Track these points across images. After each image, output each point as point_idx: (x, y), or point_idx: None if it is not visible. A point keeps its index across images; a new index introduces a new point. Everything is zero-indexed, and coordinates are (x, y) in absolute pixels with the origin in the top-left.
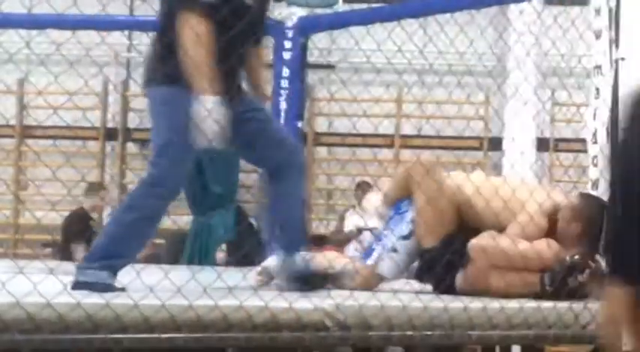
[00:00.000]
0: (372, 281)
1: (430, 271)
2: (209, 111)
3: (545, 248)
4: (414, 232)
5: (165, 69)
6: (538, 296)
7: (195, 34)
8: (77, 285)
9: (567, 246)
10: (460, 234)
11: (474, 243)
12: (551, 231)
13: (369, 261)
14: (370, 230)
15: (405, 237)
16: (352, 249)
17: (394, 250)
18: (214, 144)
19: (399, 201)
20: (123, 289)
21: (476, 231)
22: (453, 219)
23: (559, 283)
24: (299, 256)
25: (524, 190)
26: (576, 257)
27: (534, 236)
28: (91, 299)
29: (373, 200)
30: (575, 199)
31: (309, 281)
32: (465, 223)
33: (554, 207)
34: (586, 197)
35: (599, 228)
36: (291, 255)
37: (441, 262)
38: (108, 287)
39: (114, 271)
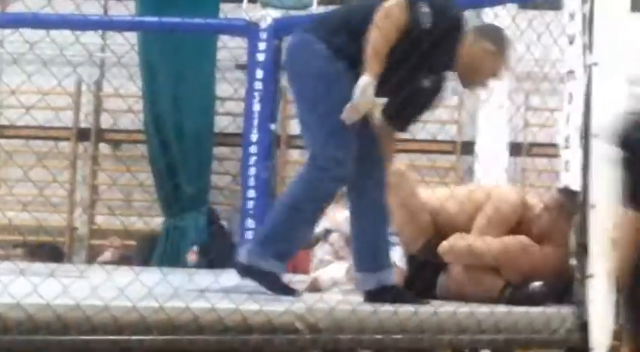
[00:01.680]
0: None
1: (418, 277)
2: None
3: (514, 242)
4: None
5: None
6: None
7: (391, 22)
8: (248, 271)
9: (557, 241)
10: (439, 239)
11: (443, 245)
12: (523, 227)
13: (396, 260)
14: (339, 232)
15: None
16: (322, 251)
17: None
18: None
19: None
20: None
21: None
22: (431, 225)
23: (518, 297)
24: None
25: (495, 189)
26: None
27: (503, 224)
28: (61, 300)
29: (339, 218)
30: (556, 196)
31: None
32: (443, 230)
33: (523, 202)
34: (567, 192)
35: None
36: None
37: (424, 268)
38: (278, 285)
39: (284, 261)
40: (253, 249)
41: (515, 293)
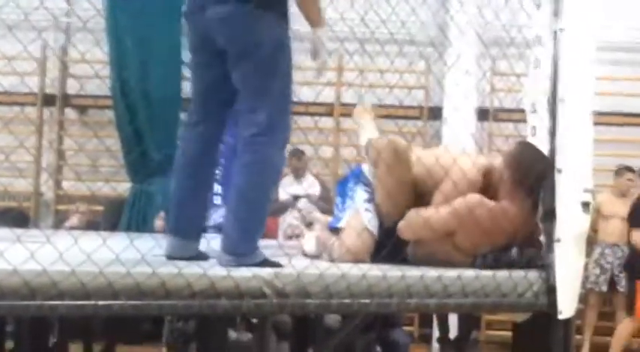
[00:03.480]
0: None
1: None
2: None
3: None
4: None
5: None
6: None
7: None
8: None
9: (503, 194)
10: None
11: (400, 224)
12: (490, 192)
13: (366, 222)
14: (307, 196)
15: (368, 201)
16: (290, 217)
17: (367, 210)
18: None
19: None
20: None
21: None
22: (412, 197)
23: (491, 264)
24: None
25: (462, 156)
26: (513, 252)
27: (467, 191)
28: (28, 266)
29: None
30: (512, 147)
31: None
32: (421, 197)
33: (489, 165)
34: (523, 144)
35: (537, 176)
36: None
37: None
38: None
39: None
40: (236, 255)
41: (489, 261)
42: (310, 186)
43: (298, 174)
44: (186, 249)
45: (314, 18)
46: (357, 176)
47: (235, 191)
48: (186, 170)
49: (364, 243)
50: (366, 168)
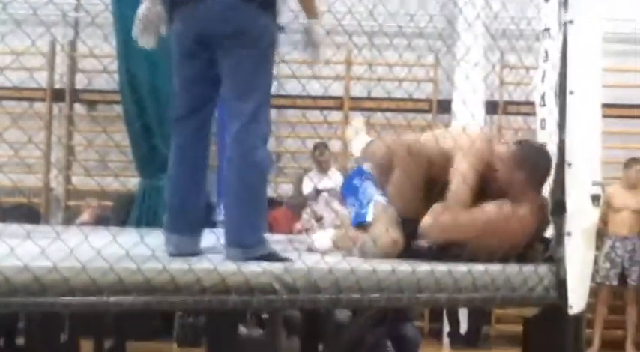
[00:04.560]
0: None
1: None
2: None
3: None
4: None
5: None
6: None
7: None
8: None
9: (514, 196)
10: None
11: (426, 224)
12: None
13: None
14: (328, 191)
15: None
16: (306, 214)
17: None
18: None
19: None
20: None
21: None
22: (424, 193)
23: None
24: None
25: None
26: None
27: (476, 174)
28: (39, 263)
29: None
30: (513, 148)
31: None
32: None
33: (490, 147)
34: (524, 143)
35: (542, 172)
36: None
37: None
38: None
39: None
40: (242, 247)
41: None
42: (335, 179)
43: (322, 168)
44: (188, 245)
45: (311, 8)
46: (361, 173)
47: (230, 187)
48: (181, 165)
49: (397, 234)
50: (366, 167)
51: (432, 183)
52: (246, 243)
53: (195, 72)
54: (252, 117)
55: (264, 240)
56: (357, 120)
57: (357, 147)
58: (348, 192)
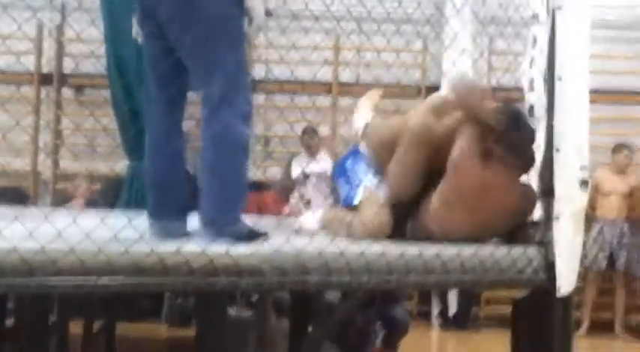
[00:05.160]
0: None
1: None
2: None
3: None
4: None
5: None
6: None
7: None
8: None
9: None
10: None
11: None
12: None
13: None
14: (317, 175)
15: (377, 179)
16: (295, 198)
17: (379, 187)
18: None
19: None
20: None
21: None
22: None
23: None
24: None
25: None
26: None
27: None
28: (27, 244)
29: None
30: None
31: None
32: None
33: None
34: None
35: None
36: None
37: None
38: (251, 235)
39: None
40: (217, 225)
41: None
42: (323, 163)
43: (311, 152)
44: (172, 230)
45: None
46: (356, 155)
47: (206, 166)
48: (157, 149)
49: (385, 218)
50: (363, 148)
51: (434, 169)
52: (221, 222)
53: (157, 52)
54: (224, 101)
55: (239, 219)
56: (374, 91)
57: (359, 121)
58: (340, 172)
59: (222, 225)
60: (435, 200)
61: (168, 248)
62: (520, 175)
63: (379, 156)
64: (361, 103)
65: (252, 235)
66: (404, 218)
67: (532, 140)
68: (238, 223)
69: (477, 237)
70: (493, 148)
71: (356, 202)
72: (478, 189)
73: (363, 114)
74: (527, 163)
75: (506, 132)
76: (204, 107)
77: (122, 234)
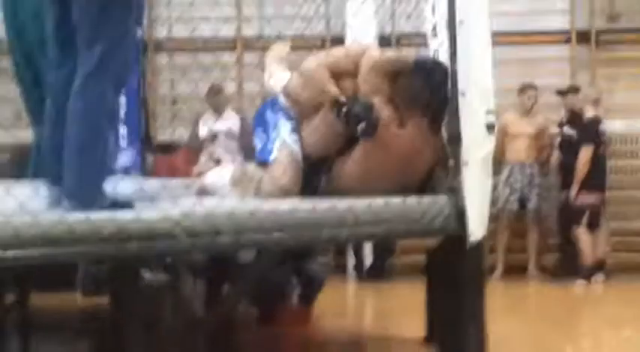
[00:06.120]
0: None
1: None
2: None
3: None
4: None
5: None
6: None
7: None
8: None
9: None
10: None
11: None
12: None
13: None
14: (225, 133)
15: (293, 132)
16: (204, 157)
17: (294, 142)
18: None
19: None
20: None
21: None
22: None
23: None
24: None
25: None
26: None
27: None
28: None
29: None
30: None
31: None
32: None
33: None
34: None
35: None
36: None
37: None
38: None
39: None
40: (79, 200)
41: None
42: (230, 121)
43: (217, 110)
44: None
45: None
46: (275, 104)
47: (69, 138)
48: (60, 115)
49: (294, 176)
50: (281, 99)
51: None
52: (81, 198)
53: (60, 17)
54: (101, 63)
55: (101, 193)
56: (281, 45)
57: (276, 82)
58: (259, 123)
59: (82, 201)
60: (356, 156)
61: (77, 216)
62: (430, 123)
63: (299, 114)
64: (270, 60)
65: (115, 206)
66: (317, 173)
67: (432, 85)
68: (99, 197)
69: (396, 189)
70: (397, 103)
71: (271, 158)
72: (394, 146)
73: (279, 74)
74: (425, 109)
75: (402, 84)
76: (81, 68)
77: (30, 205)
